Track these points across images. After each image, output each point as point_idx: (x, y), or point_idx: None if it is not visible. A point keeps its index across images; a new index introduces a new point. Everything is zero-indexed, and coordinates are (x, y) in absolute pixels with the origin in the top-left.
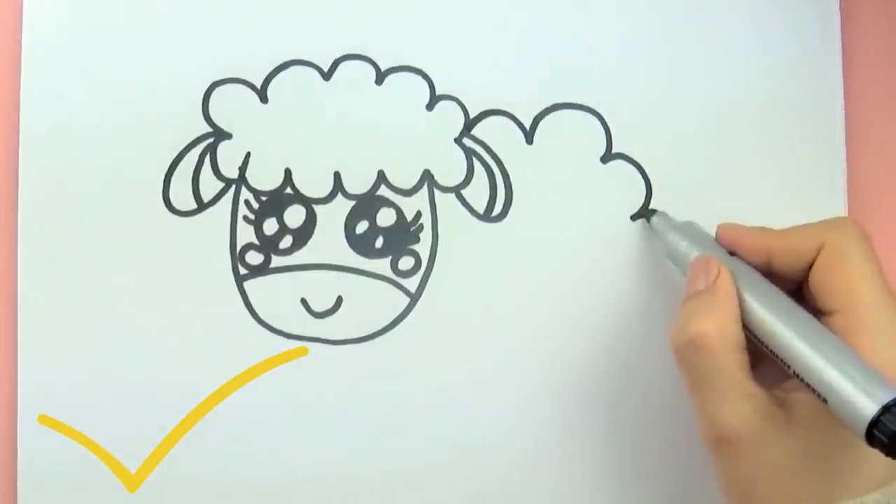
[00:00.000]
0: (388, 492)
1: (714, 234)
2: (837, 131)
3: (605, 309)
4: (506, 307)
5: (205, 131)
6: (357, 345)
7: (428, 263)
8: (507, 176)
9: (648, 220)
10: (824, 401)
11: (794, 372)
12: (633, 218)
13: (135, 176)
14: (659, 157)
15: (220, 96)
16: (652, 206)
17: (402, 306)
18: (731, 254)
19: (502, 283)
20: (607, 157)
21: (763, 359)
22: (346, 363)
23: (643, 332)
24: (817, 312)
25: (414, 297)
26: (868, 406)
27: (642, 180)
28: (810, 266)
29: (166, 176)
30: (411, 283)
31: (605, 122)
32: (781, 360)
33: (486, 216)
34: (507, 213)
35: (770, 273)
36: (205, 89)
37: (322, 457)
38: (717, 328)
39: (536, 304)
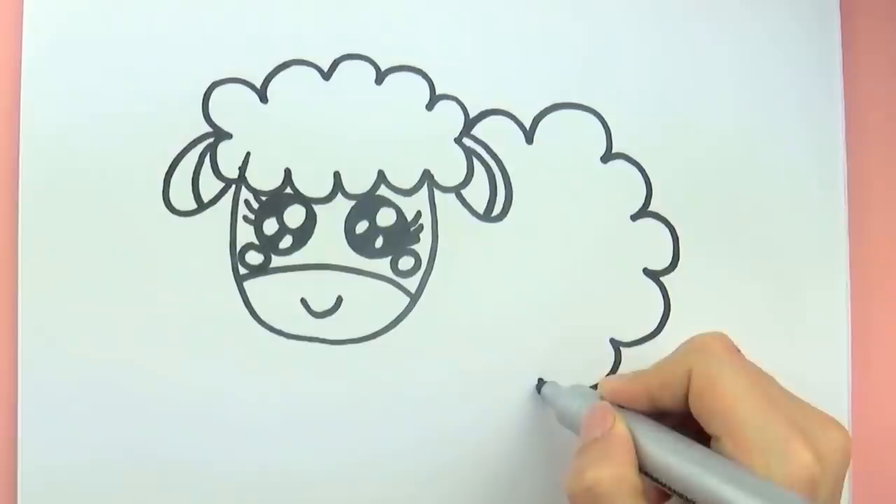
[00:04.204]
0: (388, 490)
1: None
2: (837, 131)
3: (605, 307)
4: (505, 307)
5: (205, 131)
6: (357, 345)
7: (428, 263)
8: (507, 176)
9: (539, 392)
10: None
11: None
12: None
13: (135, 176)
14: (659, 157)
15: (220, 96)
16: (651, 207)
17: (402, 306)
18: (620, 406)
19: (502, 283)
20: (607, 157)
21: (667, 497)
22: (346, 363)
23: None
24: (708, 437)
25: (414, 297)
26: None
27: (642, 180)
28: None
29: (166, 176)
30: (411, 283)
31: (605, 122)
32: (686, 499)
33: (486, 216)
34: (507, 213)
35: (658, 412)
36: (205, 89)
37: (322, 456)
38: (613, 475)
39: (536, 303)
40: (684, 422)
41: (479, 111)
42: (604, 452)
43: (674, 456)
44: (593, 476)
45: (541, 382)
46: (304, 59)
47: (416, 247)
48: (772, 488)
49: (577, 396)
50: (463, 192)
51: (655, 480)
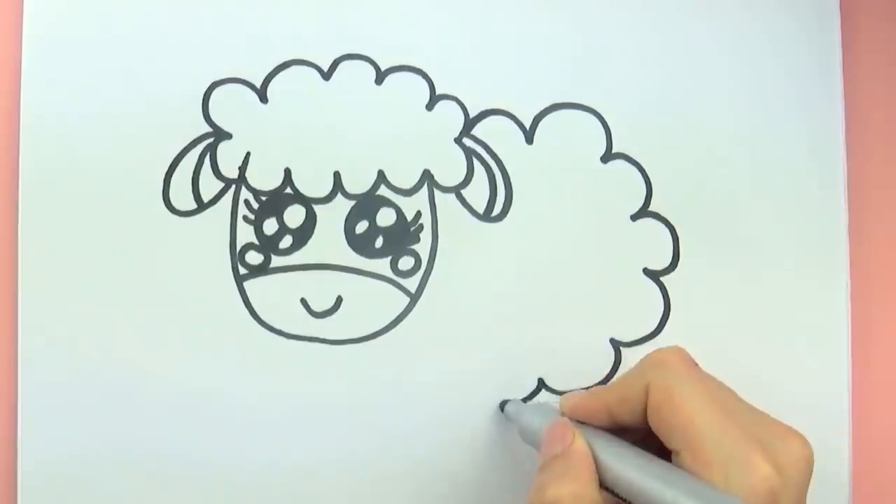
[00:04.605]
0: (388, 489)
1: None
2: (837, 131)
3: (605, 307)
4: (505, 307)
5: (205, 131)
6: (357, 345)
7: (428, 263)
8: (507, 176)
9: (503, 410)
10: None
11: None
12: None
13: (135, 176)
14: (659, 157)
15: (220, 96)
16: (651, 207)
17: (402, 306)
18: (581, 423)
19: (502, 283)
20: (607, 157)
21: None
22: (346, 363)
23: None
24: (669, 453)
25: (414, 297)
26: None
27: (642, 180)
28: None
29: (166, 176)
30: (411, 283)
31: (605, 122)
32: None
33: (486, 216)
34: (507, 213)
35: (618, 428)
36: (205, 89)
37: (321, 455)
38: (573, 492)
39: (536, 303)
40: (647, 438)
41: (479, 111)
42: (564, 469)
43: (634, 471)
44: (553, 494)
45: (503, 402)
46: (304, 59)
47: (416, 247)
48: (731, 501)
49: (539, 413)
50: (463, 192)
51: (616, 496)
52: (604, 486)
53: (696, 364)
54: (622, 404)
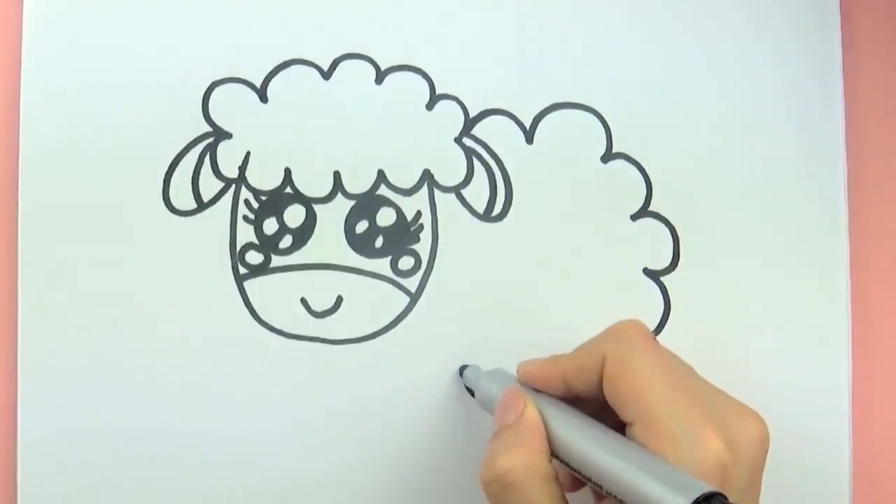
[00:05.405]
0: (388, 489)
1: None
2: (837, 131)
3: (606, 307)
4: (505, 307)
5: (205, 131)
6: (357, 345)
7: (428, 263)
8: (507, 176)
9: (461, 375)
10: None
11: (607, 491)
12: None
13: (135, 176)
14: (659, 157)
15: (220, 96)
16: (651, 207)
17: (402, 306)
18: (537, 391)
19: (502, 283)
20: (607, 156)
21: (581, 483)
22: (346, 363)
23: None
24: (623, 424)
25: (414, 297)
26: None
27: (642, 180)
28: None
29: (166, 176)
30: (411, 283)
31: (606, 122)
32: (594, 483)
33: (486, 216)
34: (507, 213)
35: (574, 397)
36: (205, 89)
37: (321, 455)
38: (523, 462)
39: (536, 303)
40: (604, 409)
41: (479, 111)
42: (514, 439)
43: (584, 441)
44: (503, 465)
45: (462, 367)
46: (304, 58)
47: (416, 247)
48: (678, 474)
49: (495, 380)
50: (463, 191)
51: (568, 465)
52: (555, 454)
53: (654, 338)
54: (578, 374)
